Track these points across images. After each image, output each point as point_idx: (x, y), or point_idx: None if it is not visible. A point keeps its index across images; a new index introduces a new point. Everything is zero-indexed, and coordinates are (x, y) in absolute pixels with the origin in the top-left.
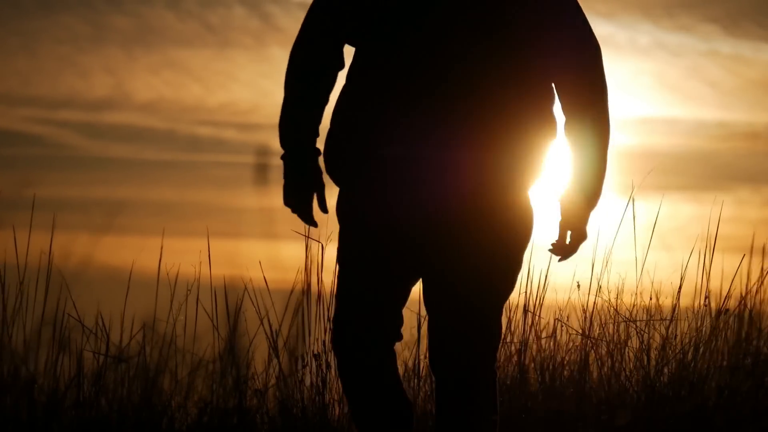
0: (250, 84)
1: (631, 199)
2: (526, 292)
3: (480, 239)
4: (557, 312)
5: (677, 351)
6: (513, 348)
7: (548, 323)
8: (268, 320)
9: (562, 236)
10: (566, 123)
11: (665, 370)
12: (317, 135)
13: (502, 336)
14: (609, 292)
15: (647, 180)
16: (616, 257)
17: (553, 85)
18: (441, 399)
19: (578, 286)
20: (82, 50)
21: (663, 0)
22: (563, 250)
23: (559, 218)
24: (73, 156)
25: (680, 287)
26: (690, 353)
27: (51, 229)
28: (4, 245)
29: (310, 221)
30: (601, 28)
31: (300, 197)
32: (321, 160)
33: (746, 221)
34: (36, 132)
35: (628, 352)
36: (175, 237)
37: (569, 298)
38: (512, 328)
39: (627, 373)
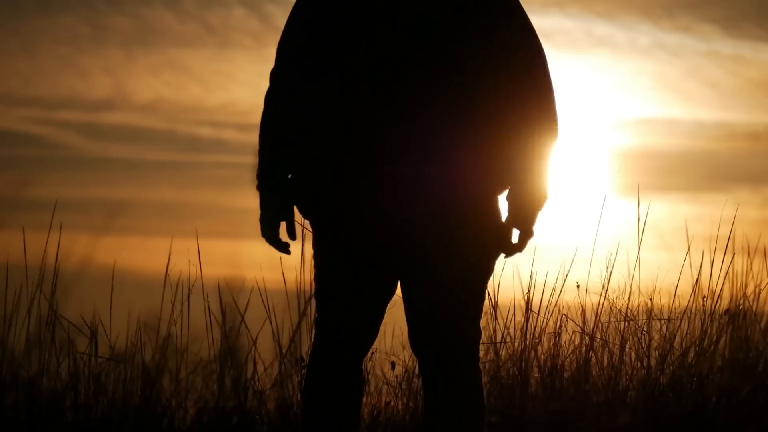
0: (250, 84)
1: (633, 200)
2: (521, 291)
3: (456, 248)
4: (558, 312)
5: (677, 351)
6: (513, 348)
7: (549, 323)
8: (269, 320)
9: (507, 233)
10: (515, 127)
11: (666, 370)
12: (289, 165)
13: (481, 336)
14: (614, 293)
15: (647, 180)
16: (617, 258)
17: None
18: (428, 399)
19: (578, 286)
20: (82, 51)
21: (662, 0)
22: (510, 248)
23: (506, 217)
24: (73, 156)
25: (689, 287)
26: (690, 353)
27: (50, 229)
28: (4, 246)
29: (285, 250)
30: (600, 29)
31: (272, 229)
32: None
33: (746, 222)
34: (36, 132)
35: (630, 353)
36: (174, 237)
37: (562, 297)
38: (513, 329)
39: (628, 373)
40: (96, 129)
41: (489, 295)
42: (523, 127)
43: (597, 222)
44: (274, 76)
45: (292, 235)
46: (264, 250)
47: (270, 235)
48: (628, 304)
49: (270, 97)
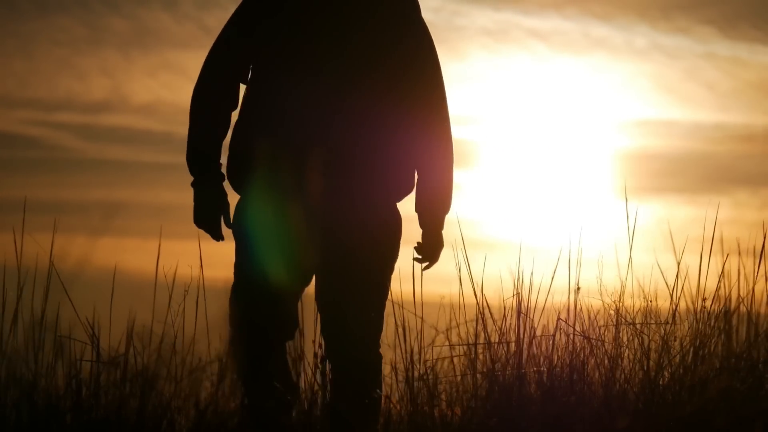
0: None
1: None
2: (517, 293)
3: (359, 249)
4: (557, 313)
5: (676, 353)
6: (511, 348)
7: (546, 325)
8: None
9: (421, 245)
10: (419, 150)
11: (665, 372)
12: (219, 158)
13: (383, 326)
14: (611, 295)
15: (645, 182)
16: (615, 259)
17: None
18: (335, 384)
19: (578, 288)
20: (80, 52)
21: (660, 2)
22: (425, 256)
23: (421, 228)
24: (71, 158)
25: (687, 289)
26: (689, 355)
27: (49, 231)
28: (2, 248)
29: (219, 237)
30: (597, 30)
31: (210, 219)
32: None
33: (744, 223)
34: (33, 134)
35: (628, 354)
36: (173, 239)
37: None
38: (511, 330)
39: (626, 374)
40: (93, 130)
41: (481, 297)
42: (426, 148)
43: (595, 223)
44: (204, 69)
45: (228, 223)
46: None
47: (207, 222)
48: (622, 306)
49: (198, 90)
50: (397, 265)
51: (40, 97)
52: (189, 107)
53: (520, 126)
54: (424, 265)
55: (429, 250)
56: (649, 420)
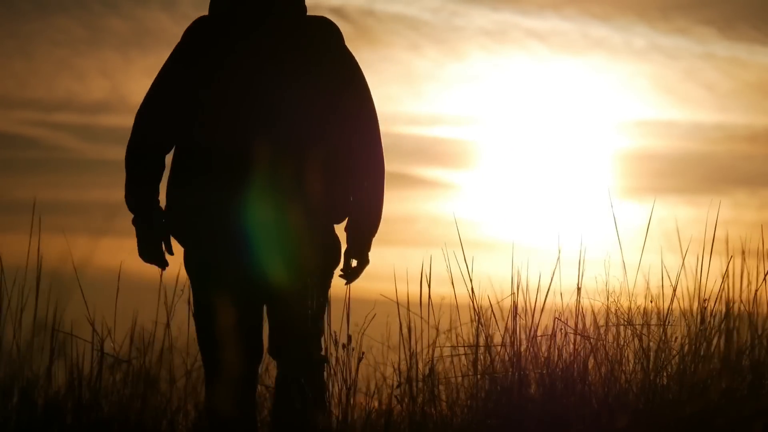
0: None
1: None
2: (515, 293)
3: (302, 269)
4: (556, 313)
5: (675, 354)
6: (511, 350)
7: (546, 325)
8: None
9: (347, 263)
10: (354, 176)
11: (665, 372)
12: (157, 198)
13: (323, 333)
14: (612, 295)
15: (644, 182)
16: (613, 260)
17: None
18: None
19: (578, 289)
20: (79, 53)
21: (659, 2)
22: (350, 274)
23: (346, 248)
24: (70, 158)
25: (687, 290)
26: (690, 356)
27: (49, 231)
28: (4, 248)
29: (163, 266)
30: (596, 31)
31: (151, 250)
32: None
33: (744, 224)
34: (32, 134)
35: (628, 354)
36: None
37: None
38: (510, 331)
39: (627, 375)
40: (93, 131)
41: (480, 298)
42: (358, 171)
43: (594, 224)
44: (139, 116)
45: (170, 251)
46: None
47: (149, 256)
48: (621, 306)
49: (132, 140)
50: (404, 267)
51: (39, 97)
52: (125, 155)
53: (519, 126)
54: (347, 280)
55: (354, 271)
56: (649, 420)
